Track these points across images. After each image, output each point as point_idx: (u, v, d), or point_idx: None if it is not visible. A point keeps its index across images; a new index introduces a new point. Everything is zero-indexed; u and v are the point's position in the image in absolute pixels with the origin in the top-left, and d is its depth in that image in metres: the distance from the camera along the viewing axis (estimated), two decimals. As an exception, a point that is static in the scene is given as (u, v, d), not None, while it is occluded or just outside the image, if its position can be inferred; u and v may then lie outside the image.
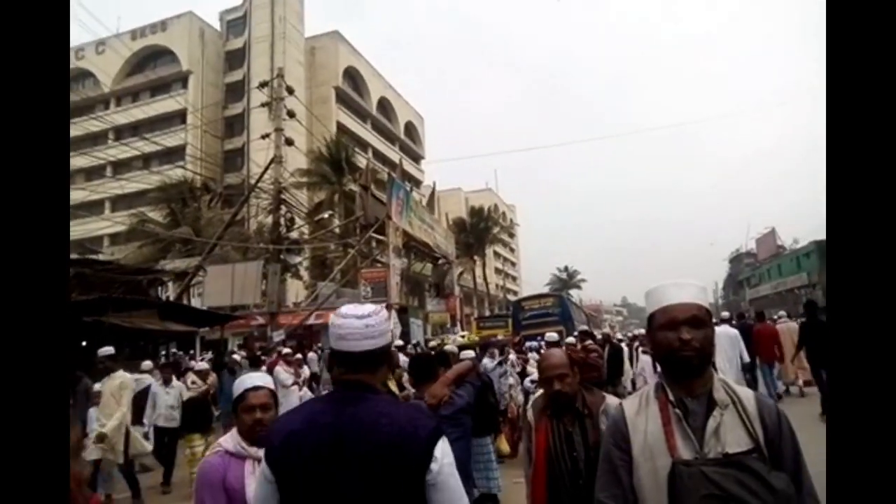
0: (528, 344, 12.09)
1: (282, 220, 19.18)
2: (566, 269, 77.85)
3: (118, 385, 6.57)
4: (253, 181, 20.94)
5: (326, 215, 23.76)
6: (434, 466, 1.47)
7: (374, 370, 1.61)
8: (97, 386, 6.84)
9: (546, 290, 50.24)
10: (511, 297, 53.43)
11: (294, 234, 22.05)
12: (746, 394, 1.57)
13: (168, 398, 7.76)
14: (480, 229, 48.53)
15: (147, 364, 8.94)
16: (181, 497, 6.94)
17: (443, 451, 1.51)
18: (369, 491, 1.45)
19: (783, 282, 57.11)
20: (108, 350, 6.96)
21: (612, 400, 2.50)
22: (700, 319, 1.56)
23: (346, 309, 1.63)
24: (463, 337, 13.80)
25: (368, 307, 1.66)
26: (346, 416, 1.51)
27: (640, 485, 1.53)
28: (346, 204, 25.59)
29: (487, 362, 8.16)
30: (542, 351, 9.33)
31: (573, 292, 61.56)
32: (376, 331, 1.58)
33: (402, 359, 10.34)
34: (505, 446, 7.67)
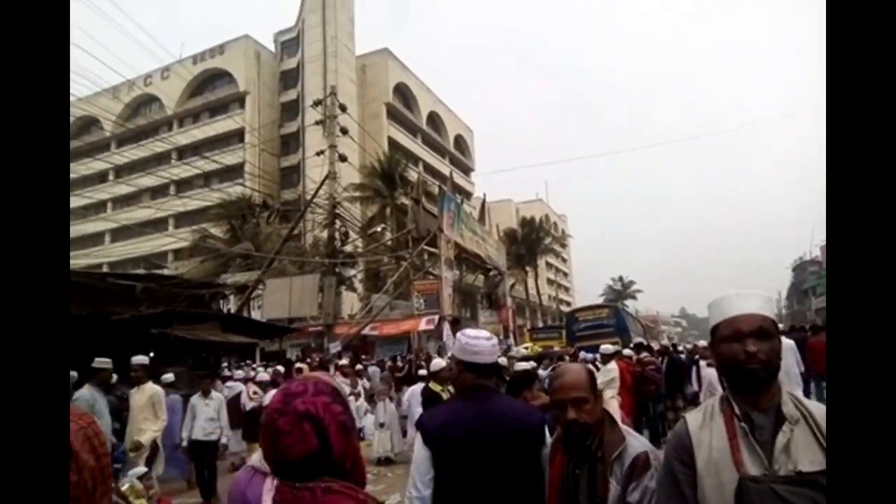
0: (583, 355, 11.92)
1: (336, 234, 19.66)
2: (620, 279, 76.34)
3: (148, 397, 6.32)
4: (308, 197, 21.59)
5: (379, 229, 24.16)
6: (546, 447, 2.16)
7: (492, 376, 2.38)
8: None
9: (600, 300, 49.38)
10: (564, 308, 52.67)
11: (348, 248, 22.52)
12: (819, 409, 1.50)
13: (208, 410, 7.27)
14: (531, 240, 48.20)
15: (168, 377, 7.63)
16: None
17: (548, 434, 2.24)
18: (502, 463, 2.12)
19: (853, 290, 54.11)
20: (142, 359, 6.53)
21: (635, 442, 1.91)
22: (766, 331, 1.51)
23: (474, 332, 2.37)
24: (526, 349, 13.78)
25: (488, 333, 2.41)
26: (483, 409, 2.21)
27: (704, 500, 1.49)
28: (399, 217, 25.96)
29: (543, 372, 8.24)
30: (560, 365, 9.18)
31: (628, 303, 60.23)
32: (495, 350, 2.33)
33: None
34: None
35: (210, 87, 46.32)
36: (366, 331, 20.45)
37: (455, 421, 2.24)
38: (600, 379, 8.15)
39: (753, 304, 1.56)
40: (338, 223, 19.85)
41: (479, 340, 2.31)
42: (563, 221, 79.15)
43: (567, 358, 10.98)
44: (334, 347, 16.55)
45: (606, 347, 9.08)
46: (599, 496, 1.85)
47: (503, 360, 7.96)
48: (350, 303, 28.39)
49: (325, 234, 20.31)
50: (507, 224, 49.65)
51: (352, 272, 22.67)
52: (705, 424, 1.57)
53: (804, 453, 1.42)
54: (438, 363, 6.86)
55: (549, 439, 2.22)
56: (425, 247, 19.94)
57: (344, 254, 20.82)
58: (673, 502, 1.55)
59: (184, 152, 41.46)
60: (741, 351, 1.50)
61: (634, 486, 1.80)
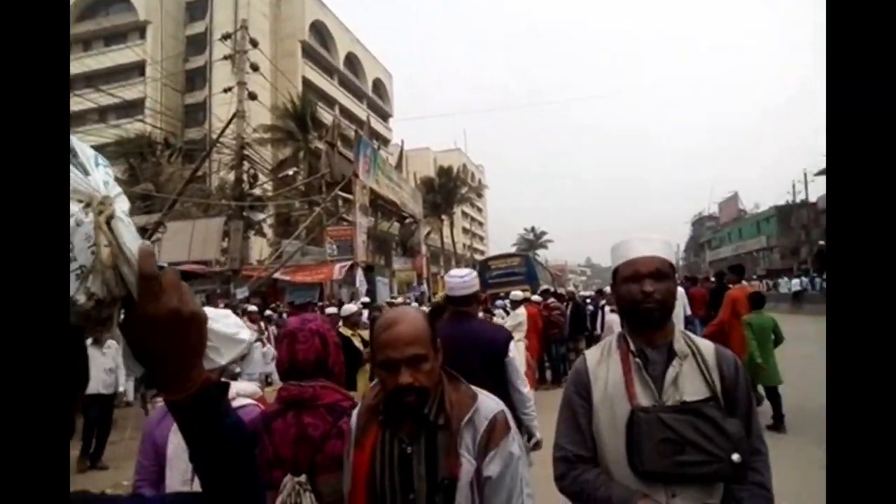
0: (497, 302, 12.26)
1: (244, 177, 18.68)
2: (533, 229, 78.56)
3: None
4: (214, 136, 20.26)
5: (291, 172, 23.22)
6: (510, 354, 3.06)
7: (470, 304, 3.21)
8: None
9: (513, 250, 50.66)
10: (478, 257, 53.75)
11: (257, 191, 21.56)
12: (706, 346, 1.64)
13: (105, 360, 6.57)
14: (448, 189, 48.26)
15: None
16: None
17: (512, 347, 3.10)
18: (475, 363, 2.67)
19: (743, 244, 58.88)
20: None
21: (489, 402, 1.52)
22: (663, 273, 1.60)
23: (454, 272, 3.27)
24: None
25: (466, 270, 3.31)
26: (462, 329, 3.01)
27: (598, 430, 1.58)
28: (312, 161, 25.00)
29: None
30: (385, 310, 9.41)
31: (539, 252, 62.30)
32: (467, 285, 3.15)
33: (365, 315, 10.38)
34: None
35: (103, 11, 41.82)
36: (277, 277, 19.90)
37: (442, 336, 2.31)
38: (509, 322, 8.43)
39: (652, 247, 1.63)
40: (246, 165, 18.85)
41: (452, 279, 3.22)
42: (480, 172, 79.78)
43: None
44: (241, 293, 15.99)
45: (516, 294, 9.39)
46: (445, 476, 1.40)
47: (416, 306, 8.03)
48: (259, 248, 27.38)
49: (232, 176, 19.27)
50: (425, 172, 49.37)
51: (261, 216, 21.72)
52: (602, 360, 1.66)
53: (689, 385, 1.54)
54: (349, 308, 6.76)
55: (512, 350, 3.10)
56: (339, 192, 19.43)
57: (252, 197, 19.90)
58: (571, 435, 1.62)
59: (75, 83, 37.55)
60: (639, 291, 1.58)
61: (493, 456, 1.42)
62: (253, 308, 11.54)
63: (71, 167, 0.71)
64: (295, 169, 24.37)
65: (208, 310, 1.04)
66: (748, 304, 6.70)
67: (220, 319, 1.41)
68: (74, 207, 0.69)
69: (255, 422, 1.78)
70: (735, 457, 1.43)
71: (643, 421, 1.48)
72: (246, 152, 18.60)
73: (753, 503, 1.49)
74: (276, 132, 27.34)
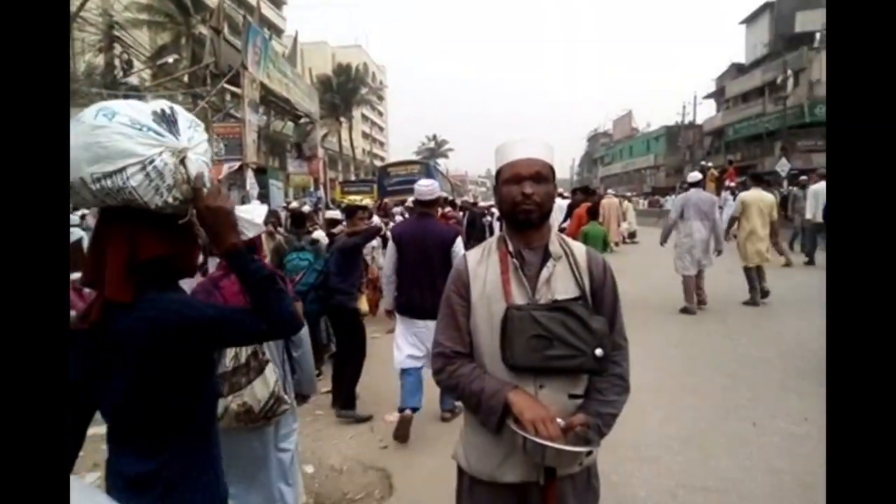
0: (395, 209, 12.23)
1: (116, 62, 16.65)
2: (434, 137, 77.76)
3: None
4: (74, 9, 17.62)
5: (171, 60, 20.88)
6: (455, 248, 4.18)
7: (433, 207, 4.51)
8: None
9: (414, 157, 50.17)
10: (378, 163, 52.69)
11: (134, 80, 19.38)
12: (579, 248, 1.72)
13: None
14: (347, 89, 46.10)
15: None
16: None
17: (458, 242, 4.23)
18: (433, 253, 4.17)
19: (632, 162, 62.04)
20: None
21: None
22: (543, 176, 1.62)
23: (423, 181, 4.57)
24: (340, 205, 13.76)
25: (431, 181, 4.72)
26: (424, 226, 4.32)
27: (476, 327, 1.65)
28: (195, 49, 22.57)
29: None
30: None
31: (440, 161, 62.17)
32: (433, 192, 4.43)
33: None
34: (365, 306, 7.98)
35: None
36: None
37: (408, 231, 4.43)
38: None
39: (533, 150, 1.64)
40: (118, 49, 16.75)
41: (420, 187, 4.49)
42: (381, 73, 76.56)
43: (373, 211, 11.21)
44: (118, 193, 14.70)
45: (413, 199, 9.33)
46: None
47: (307, 209, 7.79)
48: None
49: (101, 60, 17.08)
50: (322, 69, 46.57)
51: (137, 108, 19.61)
52: (482, 260, 1.70)
53: (561, 285, 1.62)
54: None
55: (458, 244, 4.23)
56: (226, 85, 17.82)
57: (127, 86, 17.89)
58: (449, 332, 1.67)
59: None
60: (519, 192, 1.60)
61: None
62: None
63: (171, 132, 1.35)
64: (176, 57, 21.94)
65: (239, 207, 1.56)
66: (587, 217, 8.02)
67: (246, 211, 1.71)
68: (167, 155, 1.32)
69: (206, 283, 2.53)
70: (598, 351, 1.54)
71: (516, 318, 1.54)
72: (117, 33, 16.46)
73: (612, 392, 1.64)
74: (153, 13, 24.28)
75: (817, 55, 32.32)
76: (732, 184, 18.39)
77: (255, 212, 1.71)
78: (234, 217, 1.42)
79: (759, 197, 8.32)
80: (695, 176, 8.55)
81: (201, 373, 1.47)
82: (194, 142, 1.39)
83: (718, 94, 46.50)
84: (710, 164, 28.23)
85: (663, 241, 8.47)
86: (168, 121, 1.35)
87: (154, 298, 1.36)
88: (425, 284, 4.11)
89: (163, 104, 1.39)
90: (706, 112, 46.76)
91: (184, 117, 1.41)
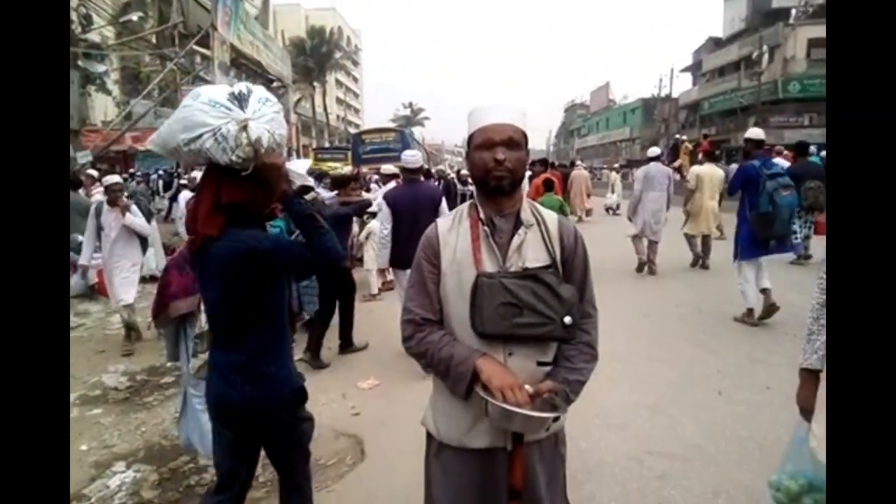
0: (372, 177, 12.13)
1: (74, 16, 15.89)
2: (410, 105, 76.72)
3: None
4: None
5: (135, 18, 20.00)
6: (442, 204, 5.13)
7: (417, 173, 5.36)
8: None
9: (389, 125, 49.46)
10: (352, 130, 51.86)
11: (95, 38, 18.56)
12: (551, 216, 1.70)
13: None
14: (321, 53, 44.97)
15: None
16: None
17: (443, 200, 5.23)
18: (424, 210, 4.94)
19: (608, 134, 62.16)
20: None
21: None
22: (515, 141, 1.59)
23: (408, 152, 5.56)
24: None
25: (415, 151, 5.84)
26: (414, 190, 5.22)
27: (446, 294, 1.64)
28: (162, 7, 21.69)
29: (324, 192, 8.12)
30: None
31: (417, 130, 61.43)
32: (417, 161, 5.33)
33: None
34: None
35: None
36: (127, 143, 17.79)
37: (400, 195, 5.19)
38: (380, 198, 8.33)
39: (506, 115, 1.60)
40: (75, 1, 15.96)
41: (406, 156, 5.37)
42: (357, 37, 74.85)
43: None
44: (83, 157, 14.21)
45: (388, 167, 9.24)
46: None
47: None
48: (104, 108, 24.16)
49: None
50: (295, 32, 45.34)
51: (101, 69, 18.82)
52: (453, 228, 1.68)
53: (532, 253, 1.61)
54: (197, 175, 6.22)
55: (443, 201, 5.16)
56: (195, 47, 17.21)
57: (88, 43, 17.14)
58: (419, 299, 1.66)
59: None
60: (491, 159, 1.57)
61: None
62: (93, 172, 10.40)
63: (239, 107, 1.80)
64: (140, 14, 21.02)
65: (289, 162, 2.01)
66: (543, 189, 8.22)
67: (294, 165, 2.14)
68: (231, 124, 1.76)
69: (184, 252, 3.01)
70: (567, 319, 1.54)
71: (486, 285, 1.54)
72: (74, -15, 15.66)
73: (580, 359, 1.64)
74: (114, -34, 23.16)
75: (792, 31, 32.56)
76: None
77: (300, 166, 2.15)
78: (285, 171, 1.90)
79: (711, 172, 8.84)
80: (654, 151, 9.16)
81: (270, 286, 1.95)
82: (259, 114, 1.82)
83: (695, 68, 46.66)
84: (684, 137, 28.47)
85: (631, 214, 8.84)
86: (239, 98, 1.81)
87: (234, 233, 1.85)
88: (417, 240, 4.45)
89: (243, 86, 1.88)
90: (683, 85, 46.97)
91: (257, 96, 1.86)
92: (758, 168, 5.72)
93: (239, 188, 1.84)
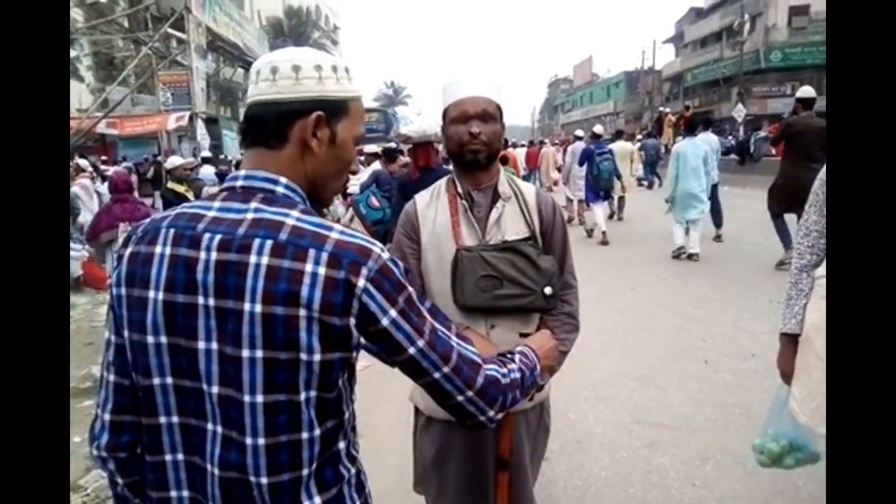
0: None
1: None
2: (392, 84, 75.81)
3: None
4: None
5: (105, 0, 19.49)
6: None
7: (393, 160, 7.07)
8: None
9: (372, 104, 48.90)
10: (335, 112, 51.08)
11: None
12: (528, 189, 1.71)
13: None
14: (299, 33, 44.19)
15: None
16: None
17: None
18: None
19: (593, 108, 61.92)
20: None
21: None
22: (490, 114, 1.58)
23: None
24: None
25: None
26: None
27: (427, 270, 1.65)
28: (133, -12, 21.16)
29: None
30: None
31: (399, 109, 60.79)
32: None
33: (209, 170, 9.63)
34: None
35: None
36: (102, 129, 17.43)
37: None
38: (363, 178, 8.28)
39: (481, 88, 1.60)
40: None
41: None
42: (335, 15, 73.57)
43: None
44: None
45: (370, 147, 9.18)
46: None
47: None
48: (78, 95, 23.65)
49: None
50: (272, 12, 44.42)
51: (71, 54, 18.37)
52: (431, 203, 1.68)
53: (511, 225, 1.62)
54: (174, 161, 6.13)
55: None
56: (170, 30, 16.84)
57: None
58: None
59: None
60: (466, 132, 1.56)
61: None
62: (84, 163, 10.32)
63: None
64: (110, -5, 20.45)
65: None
66: (499, 164, 9.26)
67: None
68: None
69: (109, 203, 4.54)
70: (547, 290, 1.55)
71: (466, 259, 1.55)
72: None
73: (563, 330, 1.65)
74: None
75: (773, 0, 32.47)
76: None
77: None
78: None
79: (622, 146, 11.73)
80: (598, 128, 10.92)
81: None
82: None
83: (677, 39, 46.49)
84: (667, 109, 28.45)
85: (565, 180, 11.43)
86: None
87: None
88: None
89: None
90: (666, 57, 46.85)
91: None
92: (593, 150, 9.58)
93: None
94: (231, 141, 20.06)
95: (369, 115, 21.66)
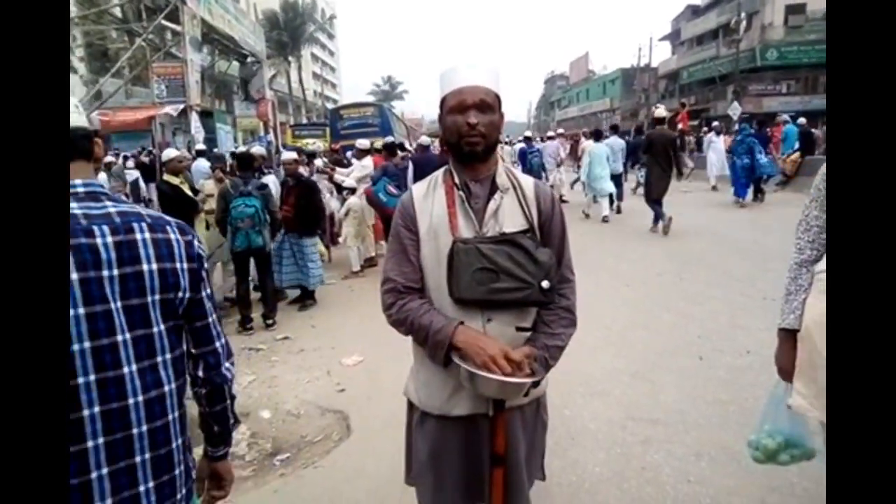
0: (348, 153, 11.99)
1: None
2: (389, 79, 75.54)
3: None
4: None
5: (96, -11, 19.27)
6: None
7: (428, 148, 8.58)
8: None
9: (368, 99, 48.71)
10: (330, 105, 50.98)
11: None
12: (527, 180, 1.68)
13: None
14: (295, 26, 43.91)
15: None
16: None
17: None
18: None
19: (589, 105, 61.92)
20: None
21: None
22: (488, 104, 1.55)
23: (424, 136, 9.37)
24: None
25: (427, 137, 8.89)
26: (428, 157, 8.00)
27: (423, 261, 1.61)
28: (126, -21, 20.94)
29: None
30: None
31: (396, 104, 60.63)
32: (426, 142, 8.70)
33: (203, 164, 9.57)
34: (323, 249, 7.92)
35: None
36: (95, 122, 17.22)
37: (419, 159, 7.71)
38: (355, 173, 8.26)
39: (479, 77, 1.56)
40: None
41: (423, 139, 8.91)
42: (331, 8, 73.16)
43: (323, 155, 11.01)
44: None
45: (362, 142, 9.14)
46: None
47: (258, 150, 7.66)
48: (71, 86, 23.42)
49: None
50: (267, 4, 44.23)
51: (66, 46, 18.14)
52: (428, 194, 1.64)
53: (509, 217, 1.59)
54: (169, 153, 6.05)
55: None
56: (164, 22, 16.67)
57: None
58: (399, 267, 1.63)
59: None
60: (464, 123, 1.53)
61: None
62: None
63: None
64: (102, -15, 20.25)
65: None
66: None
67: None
68: None
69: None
70: (544, 283, 1.52)
71: (462, 251, 1.52)
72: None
73: (559, 324, 1.63)
74: (74, -63, 22.21)
75: (770, -3, 32.47)
76: (685, 126, 18.62)
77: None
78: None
79: (591, 145, 12.12)
80: (554, 127, 12.63)
81: None
82: None
83: (674, 37, 46.50)
84: (661, 106, 28.46)
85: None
86: None
87: None
88: None
89: None
90: (663, 55, 46.91)
91: None
92: (527, 149, 12.86)
93: None
94: (225, 134, 19.93)
95: (364, 109, 21.62)
